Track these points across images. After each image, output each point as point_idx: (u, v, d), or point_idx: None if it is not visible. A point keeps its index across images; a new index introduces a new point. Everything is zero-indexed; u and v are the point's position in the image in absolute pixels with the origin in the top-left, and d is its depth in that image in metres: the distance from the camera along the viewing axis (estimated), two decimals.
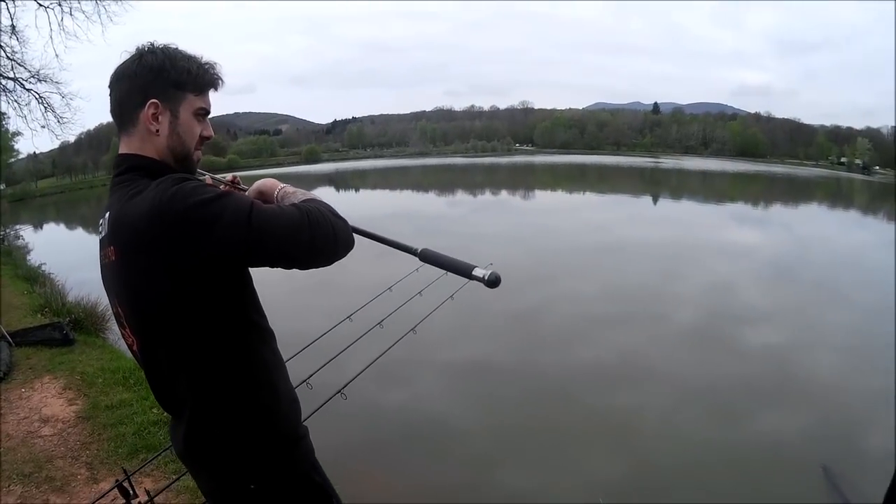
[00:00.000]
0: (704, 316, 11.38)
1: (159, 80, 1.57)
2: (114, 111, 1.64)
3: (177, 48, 1.63)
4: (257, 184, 1.84)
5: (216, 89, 1.71)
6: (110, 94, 1.64)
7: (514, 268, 12.85)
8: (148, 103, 1.57)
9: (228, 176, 2.00)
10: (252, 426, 1.61)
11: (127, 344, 1.68)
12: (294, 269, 1.59)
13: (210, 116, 1.72)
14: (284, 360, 1.80)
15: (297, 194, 1.75)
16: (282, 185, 1.82)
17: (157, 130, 1.60)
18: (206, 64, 1.66)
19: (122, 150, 1.64)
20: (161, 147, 1.62)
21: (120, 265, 1.51)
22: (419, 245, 1.73)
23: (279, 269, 1.55)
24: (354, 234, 1.72)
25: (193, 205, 1.39)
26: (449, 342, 8.32)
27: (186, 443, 1.66)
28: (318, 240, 1.54)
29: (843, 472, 5.85)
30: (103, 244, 1.56)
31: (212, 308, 1.52)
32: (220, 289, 1.52)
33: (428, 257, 1.72)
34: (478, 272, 1.54)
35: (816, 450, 6.36)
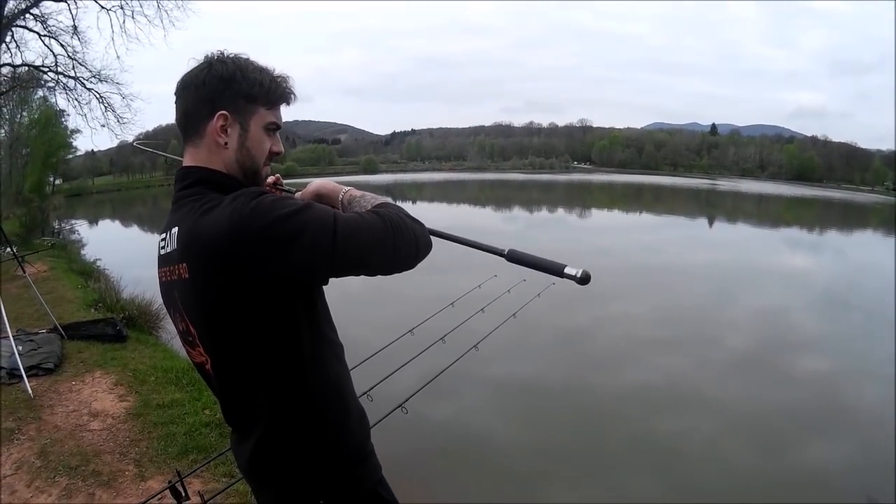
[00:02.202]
0: (754, 341, 11.11)
1: (229, 91, 1.52)
2: (179, 120, 1.58)
3: (248, 59, 1.57)
4: (315, 184, 1.78)
5: (288, 104, 1.65)
6: (176, 102, 1.58)
7: (568, 286, 12.72)
8: (217, 115, 1.51)
9: (270, 178, 1.88)
10: (324, 442, 1.56)
11: (196, 362, 1.63)
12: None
13: None
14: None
15: (367, 198, 1.70)
16: (346, 189, 1.78)
17: (226, 143, 1.54)
18: (279, 77, 1.59)
19: (188, 161, 1.58)
20: (229, 161, 1.56)
21: (194, 283, 1.44)
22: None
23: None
24: (433, 237, 1.68)
25: (274, 220, 1.34)
26: (500, 358, 8.24)
27: (254, 458, 1.61)
28: (401, 248, 1.51)
29: (887, 502, 5.71)
30: (170, 260, 1.50)
31: (289, 323, 1.47)
32: (297, 303, 1.48)
33: (516, 258, 1.67)
34: (570, 270, 1.53)
35: (862, 482, 6.20)
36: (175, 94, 1.57)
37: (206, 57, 1.55)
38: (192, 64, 1.56)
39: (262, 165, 1.62)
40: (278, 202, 1.38)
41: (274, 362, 1.48)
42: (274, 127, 1.61)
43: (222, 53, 1.55)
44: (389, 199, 1.68)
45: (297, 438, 1.54)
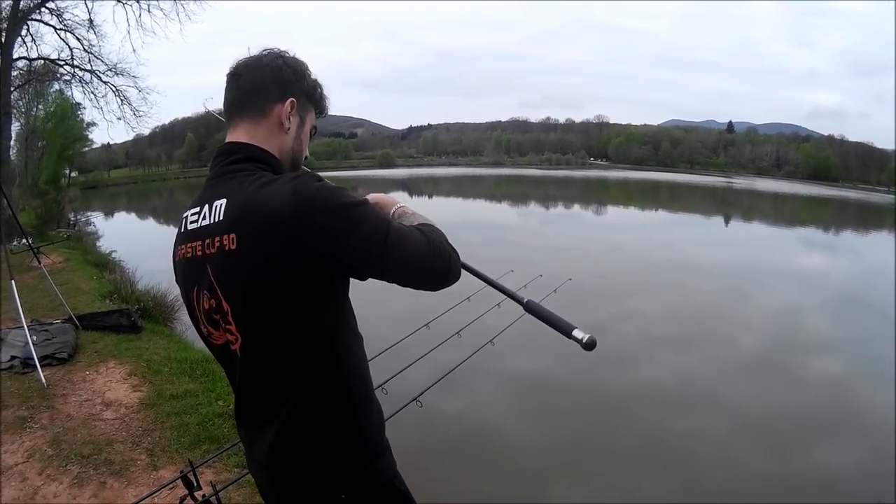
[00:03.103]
0: (767, 342, 11.08)
1: (300, 84, 1.61)
2: (238, 97, 1.59)
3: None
4: (372, 197, 1.77)
5: (324, 116, 1.75)
6: (238, 79, 1.59)
7: (581, 283, 12.71)
8: (288, 99, 1.57)
9: None
10: (347, 434, 1.55)
11: (217, 344, 1.57)
12: None
13: None
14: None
15: (416, 217, 1.73)
16: (399, 204, 1.81)
17: (289, 129, 1.59)
18: (324, 91, 1.71)
19: (240, 137, 1.57)
20: (285, 146, 1.61)
21: (242, 254, 1.39)
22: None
23: None
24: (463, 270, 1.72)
25: (340, 205, 1.38)
26: (514, 354, 8.22)
27: (274, 450, 1.56)
28: (436, 268, 1.56)
29: None
30: (207, 233, 1.45)
31: (329, 310, 1.48)
32: (339, 292, 1.51)
33: (531, 309, 1.76)
34: (577, 333, 1.60)
35: (872, 485, 6.18)
36: (236, 72, 1.59)
37: (267, 49, 1.62)
38: (247, 54, 1.61)
39: (302, 162, 1.70)
40: (341, 190, 1.42)
41: (307, 347, 1.46)
42: (314, 131, 1.73)
43: (284, 52, 1.64)
44: (434, 223, 1.70)
45: (321, 430, 1.52)
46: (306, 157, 1.71)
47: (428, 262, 1.52)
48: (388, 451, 1.68)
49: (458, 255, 1.64)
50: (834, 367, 9.83)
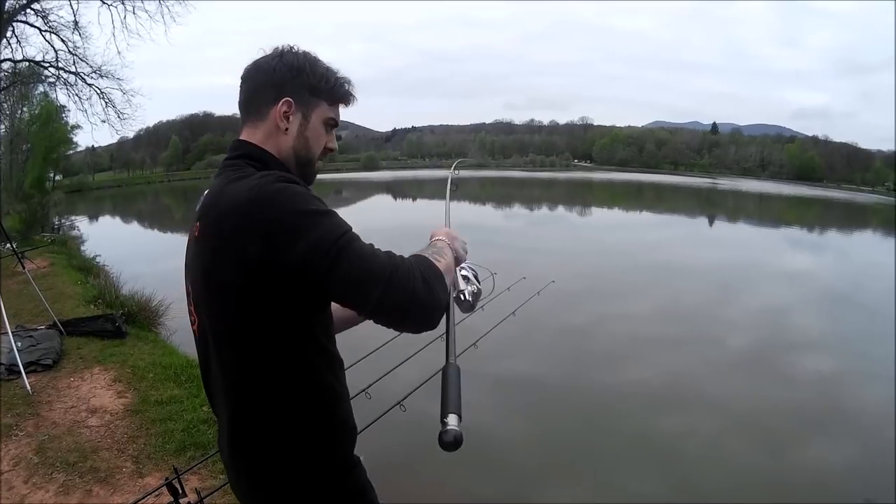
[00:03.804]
0: (755, 341, 11.13)
1: (297, 80, 1.58)
2: (242, 102, 1.64)
3: (316, 56, 1.64)
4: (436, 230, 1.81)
5: (347, 105, 1.71)
6: (242, 85, 1.63)
7: (568, 284, 12.73)
8: (282, 100, 1.57)
9: None
10: (299, 449, 1.52)
11: (190, 322, 1.63)
12: None
13: None
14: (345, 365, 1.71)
15: (430, 249, 1.63)
16: (441, 237, 1.76)
17: (287, 129, 1.59)
18: (343, 78, 1.66)
19: (243, 136, 1.62)
20: (286, 146, 1.61)
21: (200, 242, 1.47)
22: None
23: None
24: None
25: (290, 211, 1.34)
26: (500, 355, 8.23)
27: (230, 449, 1.61)
28: (386, 301, 1.36)
29: None
30: (194, 220, 1.53)
31: (272, 316, 1.43)
32: (287, 301, 1.42)
33: (445, 372, 1.50)
34: (450, 419, 1.37)
35: (862, 482, 6.23)
36: (242, 77, 1.64)
37: (277, 48, 1.63)
38: (261, 54, 1.63)
39: (316, 157, 1.68)
40: (302, 195, 1.39)
41: (256, 351, 1.46)
42: (333, 123, 1.69)
43: (293, 47, 1.63)
44: (441, 261, 1.57)
45: (272, 439, 1.52)
46: (332, 150, 1.72)
47: (378, 291, 1.35)
48: (355, 472, 1.65)
49: (436, 301, 1.45)
50: (822, 364, 9.88)
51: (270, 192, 1.36)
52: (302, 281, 1.37)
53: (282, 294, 1.39)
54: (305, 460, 1.52)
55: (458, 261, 1.75)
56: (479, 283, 1.88)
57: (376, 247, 1.44)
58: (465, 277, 1.85)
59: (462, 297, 1.75)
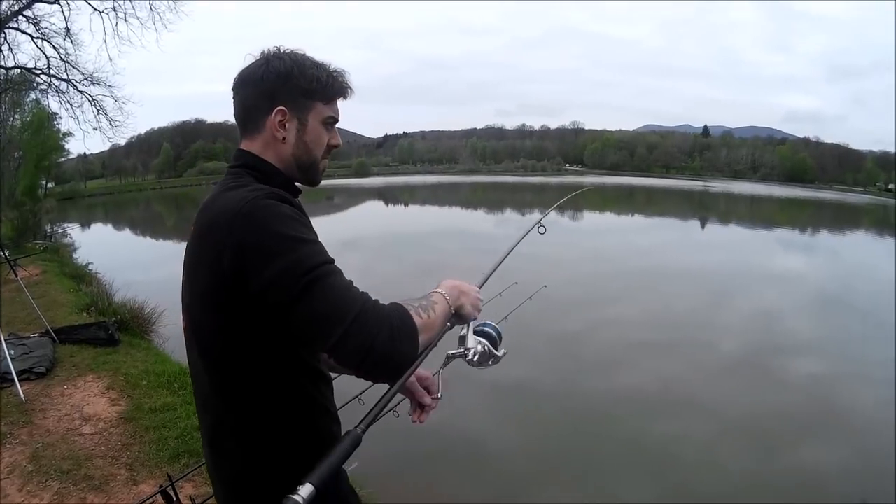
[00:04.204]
0: (748, 344, 11.17)
1: (287, 86, 1.54)
2: (238, 116, 1.62)
3: (304, 54, 1.60)
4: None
5: (345, 98, 1.67)
6: (234, 98, 1.62)
7: (560, 289, 12.74)
8: (275, 110, 1.54)
9: None
10: (275, 457, 1.50)
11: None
12: None
13: None
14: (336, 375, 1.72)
15: (425, 303, 1.52)
16: (441, 290, 1.61)
17: (284, 138, 1.57)
18: (336, 72, 1.61)
19: (243, 146, 1.61)
20: (285, 154, 1.59)
21: (190, 244, 1.49)
22: None
23: None
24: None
25: (270, 232, 1.33)
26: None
27: (209, 457, 1.64)
28: (344, 344, 1.31)
29: None
30: (192, 222, 1.53)
31: (246, 327, 1.41)
32: (262, 318, 1.38)
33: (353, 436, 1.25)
34: (301, 491, 1.12)
35: (856, 484, 6.24)
36: (233, 90, 1.62)
37: (263, 53, 1.58)
38: (249, 60, 1.59)
39: (320, 158, 1.65)
40: (287, 218, 1.37)
41: (233, 361, 1.46)
42: (332, 121, 1.65)
43: (279, 49, 1.58)
44: (423, 316, 1.46)
45: (244, 448, 1.52)
46: (337, 146, 1.68)
47: (339, 332, 1.30)
48: (335, 484, 1.59)
49: (400, 353, 1.37)
50: (815, 367, 9.92)
51: (255, 208, 1.35)
52: (265, 304, 1.34)
53: (252, 311, 1.38)
54: (284, 469, 1.50)
55: (463, 318, 1.65)
56: (495, 348, 1.70)
57: (358, 285, 1.40)
58: (480, 334, 1.71)
59: (467, 355, 1.69)
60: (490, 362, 1.65)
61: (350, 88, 1.65)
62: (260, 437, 1.50)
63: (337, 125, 1.66)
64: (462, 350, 1.63)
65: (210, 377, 1.52)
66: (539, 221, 2.53)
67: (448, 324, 1.61)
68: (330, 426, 1.63)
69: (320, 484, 1.08)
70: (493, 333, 1.72)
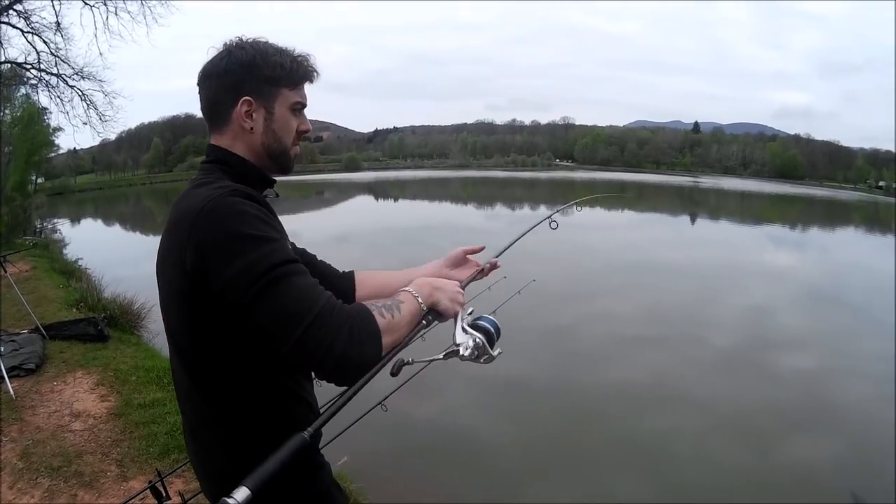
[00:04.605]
0: (739, 339, 11.19)
1: (251, 76, 1.52)
2: (204, 110, 1.60)
3: (267, 42, 1.57)
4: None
5: (312, 82, 1.64)
6: (199, 93, 1.59)
7: (547, 284, 12.74)
8: (241, 101, 1.53)
9: None
10: (255, 450, 1.36)
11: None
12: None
13: None
14: None
15: (391, 303, 1.49)
16: (410, 288, 1.59)
17: (252, 128, 1.55)
18: (300, 56, 1.59)
19: (213, 141, 1.60)
20: (255, 145, 1.57)
21: (161, 242, 1.47)
22: None
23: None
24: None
25: (230, 232, 1.32)
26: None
27: (191, 451, 1.67)
28: (301, 345, 1.28)
29: (873, 500, 5.81)
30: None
31: (213, 323, 1.40)
32: (227, 316, 1.36)
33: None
34: (237, 495, 1.08)
35: (847, 477, 6.28)
36: (197, 84, 1.59)
37: (225, 44, 1.56)
38: (212, 52, 1.57)
39: (290, 145, 1.63)
40: (250, 217, 1.35)
41: (205, 359, 1.46)
42: (300, 106, 1.62)
43: (241, 39, 1.56)
44: (386, 316, 1.43)
45: (217, 445, 1.54)
46: (307, 131, 1.65)
47: (298, 332, 1.28)
48: (320, 473, 1.64)
49: (360, 355, 1.33)
50: (806, 362, 9.94)
51: (217, 206, 1.33)
52: (224, 304, 1.33)
53: (216, 310, 1.37)
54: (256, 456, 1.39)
55: (442, 315, 1.62)
56: (492, 342, 1.61)
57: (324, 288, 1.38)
58: (475, 328, 1.62)
59: (458, 350, 1.64)
60: (483, 360, 1.58)
61: (316, 72, 1.63)
62: (238, 430, 1.50)
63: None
64: (453, 347, 1.58)
65: (187, 372, 1.52)
66: (550, 216, 2.53)
67: (424, 322, 1.57)
68: (309, 417, 1.59)
69: (255, 488, 1.07)
70: (491, 328, 1.65)
